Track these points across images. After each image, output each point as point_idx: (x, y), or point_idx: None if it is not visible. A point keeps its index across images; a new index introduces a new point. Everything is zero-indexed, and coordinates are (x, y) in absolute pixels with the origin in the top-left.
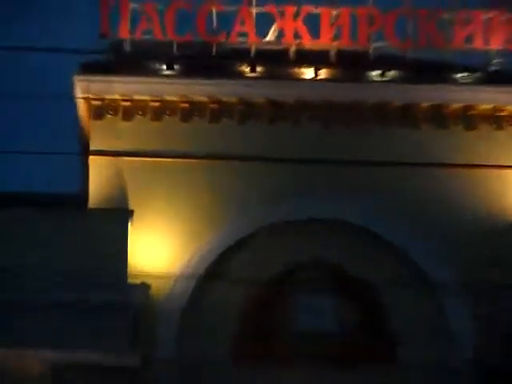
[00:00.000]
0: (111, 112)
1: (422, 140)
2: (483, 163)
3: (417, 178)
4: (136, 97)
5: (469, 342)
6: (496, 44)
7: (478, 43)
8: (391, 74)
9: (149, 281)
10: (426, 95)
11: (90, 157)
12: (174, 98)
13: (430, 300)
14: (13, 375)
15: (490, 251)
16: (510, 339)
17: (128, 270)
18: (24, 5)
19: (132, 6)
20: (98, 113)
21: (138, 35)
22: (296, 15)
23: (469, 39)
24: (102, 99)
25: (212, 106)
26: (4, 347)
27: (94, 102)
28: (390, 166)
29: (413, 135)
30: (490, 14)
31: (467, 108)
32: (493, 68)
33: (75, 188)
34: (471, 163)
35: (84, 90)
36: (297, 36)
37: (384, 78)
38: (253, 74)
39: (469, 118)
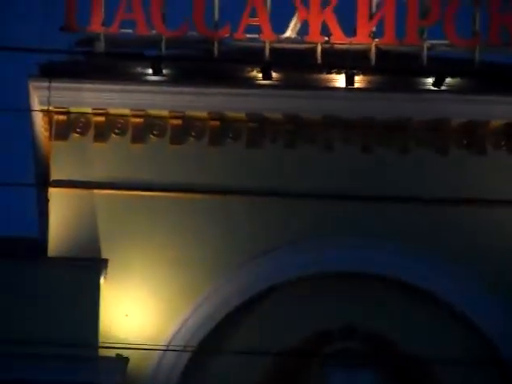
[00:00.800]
0: (79, 130)
1: (489, 169)
2: None
3: (485, 219)
4: (112, 110)
5: None
6: None
7: None
8: (451, 82)
9: (126, 353)
10: (498, 111)
11: (51, 189)
12: (163, 113)
13: (501, 380)
14: None
15: None
16: None
17: (99, 338)
18: None
19: None
20: (61, 131)
21: (114, 28)
22: (324, 3)
23: None
24: (68, 113)
25: (213, 123)
26: None
27: (56, 117)
28: (447, 204)
29: (478, 162)
30: None
31: None
32: None
33: (32, 230)
34: None
35: (43, 100)
36: (325, 31)
37: (442, 88)
38: (267, 82)
39: None
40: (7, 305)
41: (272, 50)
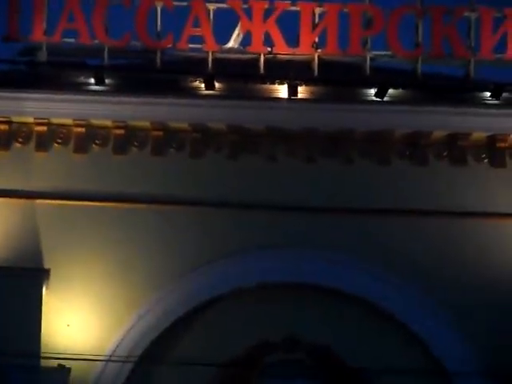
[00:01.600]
0: (21, 139)
1: (433, 180)
2: None
3: (429, 230)
4: (54, 120)
5: None
6: None
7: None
8: (394, 93)
9: (68, 363)
10: (441, 121)
11: None
12: (105, 123)
13: None
14: None
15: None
16: None
17: (41, 348)
18: None
19: None
20: (3, 141)
21: (57, 37)
22: (267, 14)
23: (499, 46)
24: (10, 122)
25: (155, 133)
26: None
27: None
28: (389, 216)
29: (421, 174)
30: None
31: (494, 138)
32: None
33: None
34: (503, 212)
35: None
36: (268, 42)
37: (384, 99)
38: (210, 92)
39: (496, 152)
40: None
41: (215, 60)
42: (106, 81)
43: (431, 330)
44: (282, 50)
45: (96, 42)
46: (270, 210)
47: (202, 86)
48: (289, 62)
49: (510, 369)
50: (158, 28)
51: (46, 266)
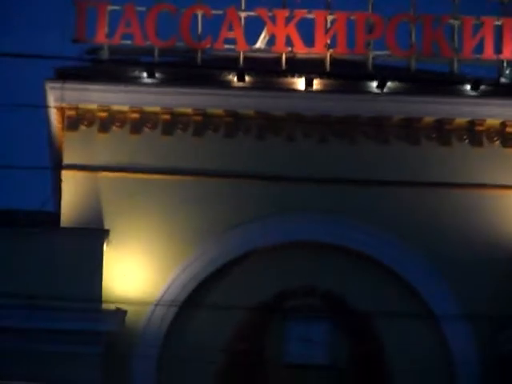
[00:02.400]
0: (86, 123)
1: (423, 158)
2: (491, 183)
3: (418, 200)
4: (114, 107)
5: (473, 375)
6: (508, 54)
7: (488, 53)
8: (391, 85)
9: (124, 307)
10: (429, 109)
11: (63, 171)
12: (155, 109)
13: (431, 333)
14: None
15: (498, 280)
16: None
17: (102, 294)
18: None
19: (110, 8)
20: (72, 124)
21: (116, 40)
22: (288, 20)
23: (478, 48)
24: (77, 109)
25: (196, 118)
26: None
27: (68, 112)
28: (389, 186)
29: (413, 152)
30: (502, 21)
31: (473, 123)
32: (504, 80)
33: (47, 205)
34: (478, 182)
35: (57, 98)
36: (289, 43)
37: (383, 90)
38: (241, 84)
39: (475, 134)
40: (27, 267)
41: (245, 58)
42: (156, 75)
43: (422, 280)
44: (300, 50)
45: (148, 43)
46: (290, 181)
47: (235, 79)
48: (306, 59)
49: (488, 312)
50: (199, 31)
51: (107, 227)
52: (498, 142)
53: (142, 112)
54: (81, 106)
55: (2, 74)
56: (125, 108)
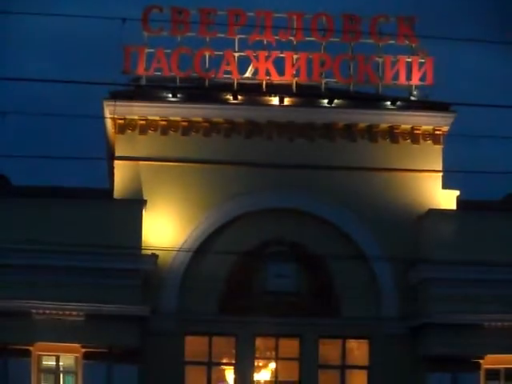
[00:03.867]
0: (131, 128)
1: (358, 150)
2: (404, 168)
3: (356, 178)
4: (149, 117)
5: (393, 298)
6: (415, 81)
7: (402, 80)
8: (336, 102)
9: (157, 252)
10: (362, 118)
11: (115, 161)
12: (177, 119)
13: (365, 269)
14: (54, 321)
15: (409, 233)
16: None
17: (142, 244)
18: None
19: (147, 50)
20: (121, 129)
21: (151, 72)
22: (267, 58)
23: (395, 77)
24: (124, 119)
25: (204, 124)
26: (46, 300)
27: (118, 121)
28: (335, 170)
29: (352, 147)
30: (411, 59)
31: (392, 127)
32: (412, 98)
33: (105, 184)
34: (395, 167)
35: (111, 111)
36: (267, 73)
37: (332, 105)
38: (235, 101)
39: (393, 135)
40: (92, 226)
41: (238, 83)
42: (178, 95)
43: (358, 234)
44: (275, 78)
45: (172, 74)
46: (270, 167)
47: (231, 97)
48: (279, 84)
49: (402, 255)
50: (207, 66)
51: (145, 198)
52: (409, 141)
53: (167, 120)
54: (127, 116)
55: (76, 95)
56: (156, 118)
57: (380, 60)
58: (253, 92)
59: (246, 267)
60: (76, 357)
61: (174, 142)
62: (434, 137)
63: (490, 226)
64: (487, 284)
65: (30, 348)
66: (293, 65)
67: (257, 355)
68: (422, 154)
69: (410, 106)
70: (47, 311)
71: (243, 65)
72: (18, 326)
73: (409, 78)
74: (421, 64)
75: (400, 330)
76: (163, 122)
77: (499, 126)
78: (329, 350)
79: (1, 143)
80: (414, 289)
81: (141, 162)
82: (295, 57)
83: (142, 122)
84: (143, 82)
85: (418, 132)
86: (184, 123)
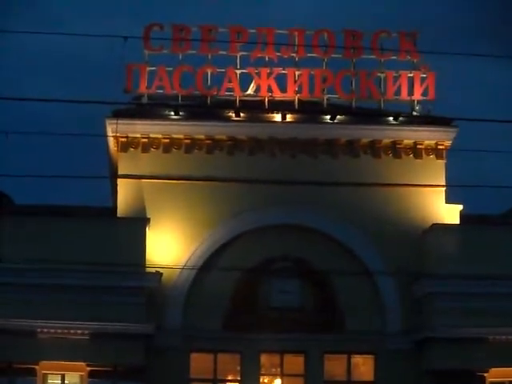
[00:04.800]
0: (133, 146)
1: (361, 166)
2: (407, 183)
3: (359, 194)
4: (152, 135)
5: (398, 316)
6: (417, 96)
7: (404, 95)
8: (339, 118)
9: (161, 270)
10: (365, 133)
11: (119, 179)
12: (179, 136)
13: (369, 284)
14: (59, 340)
15: (413, 248)
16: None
17: (146, 261)
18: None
19: (148, 68)
20: (123, 147)
21: (153, 90)
22: (269, 75)
23: (397, 92)
24: (127, 137)
25: (207, 141)
26: (51, 319)
27: (120, 139)
28: (338, 186)
29: (354, 162)
30: (413, 74)
31: (395, 142)
32: (414, 113)
33: (108, 202)
34: (398, 183)
35: (113, 130)
36: (270, 90)
37: (334, 121)
38: (237, 118)
39: (396, 150)
40: (95, 244)
41: (240, 101)
42: (180, 113)
43: (361, 249)
44: (277, 95)
45: (174, 91)
46: (272, 184)
47: (233, 115)
48: (281, 101)
49: (405, 269)
50: (208, 83)
51: (148, 216)
52: (411, 156)
53: (170, 138)
54: (129, 135)
55: (77, 114)
56: (159, 136)
57: (382, 75)
58: (255, 109)
59: (251, 284)
60: (81, 375)
61: (176, 160)
62: (436, 151)
63: (493, 240)
64: (491, 298)
65: (36, 367)
66: (295, 81)
67: (262, 372)
68: (425, 168)
69: (412, 121)
70: (52, 330)
71: (245, 82)
72: (23, 345)
73: (411, 93)
74: (423, 79)
75: (404, 344)
76: (166, 140)
77: (502, 140)
78: (334, 366)
79: (3, 162)
80: (417, 303)
81: (144, 180)
82: (297, 73)
83: (144, 140)
84: (145, 100)
85: (420, 147)
86: (187, 141)
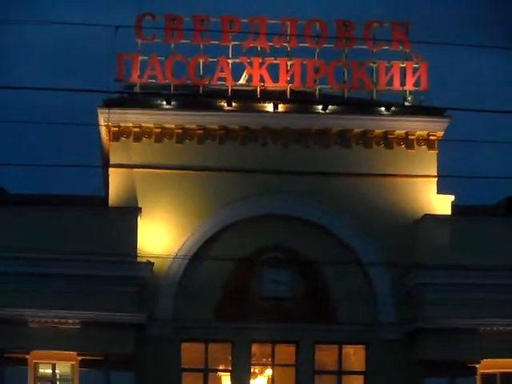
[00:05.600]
0: (125, 136)
1: (353, 156)
2: (399, 173)
3: (351, 184)
4: (143, 124)
5: (390, 307)
6: (409, 86)
7: (396, 85)
8: (331, 108)
9: (152, 260)
10: (357, 123)
11: (110, 169)
12: (171, 126)
13: (361, 275)
14: (50, 330)
15: (404, 238)
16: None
17: (137, 251)
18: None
19: (140, 58)
20: (115, 136)
21: (145, 79)
22: (261, 64)
23: (389, 82)
24: (119, 126)
25: (199, 131)
26: (42, 308)
27: (112, 129)
28: (330, 176)
29: (346, 153)
30: (405, 64)
31: (387, 133)
32: (406, 103)
33: (100, 192)
34: (390, 173)
35: (105, 119)
36: (262, 80)
37: (326, 111)
38: (229, 108)
39: (388, 140)
40: (87, 234)
41: (232, 90)
42: (172, 102)
43: (354, 239)
44: (269, 84)
45: (166, 81)
46: (264, 174)
47: (225, 104)
48: (273, 91)
49: (397, 260)
50: (201, 73)
51: (140, 206)
52: (403, 146)
53: (162, 128)
54: (121, 124)
55: (69, 103)
56: (150, 125)
57: (374, 66)
58: (247, 99)
59: (242, 274)
60: (72, 364)
61: (168, 150)
62: (428, 142)
63: (484, 231)
64: (483, 288)
65: (27, 356)
66: (287, 71)
67: (253, 361)
68: (417, 159)
69: (404, 111)
70: (43, 319)
71: (237, 71)
72: (14, 334)
73: (403, 83)
74: (415, 69)
75: (396, 335)
76: (157, 130)
77: (494, 130)
78: (325, 356)
79: None
80: (409, 294)
81: (135, 170)
82: (289, 63)
83: (136, 129)
84: (137, 89)
85: (412, 137)
86: (178, 130)
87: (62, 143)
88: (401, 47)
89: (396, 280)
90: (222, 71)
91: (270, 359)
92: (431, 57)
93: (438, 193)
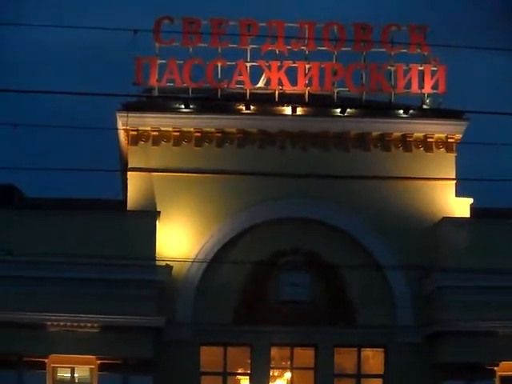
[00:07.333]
0: (144, 140)
1: (371, 159)
2: (417, 176)
3: (369, 187)
4: (162, 128)
5: (409, 310)
6: (428, 89)
7: (414, 88)
8: (350, 111)
9: (171, 263)
10: (375, 127)
11: (129, 173)
12: (190, 129)
13: (379, 278)
14: (69, 333)
15: (423, 241)
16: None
17: (156, 255)
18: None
19: (159, 61)
20: (134, 140)
21: (163, 83)
22: (279, 68)
23: (407, 85)
24: (137, 130)
25: (217, 135)
26: (62, 312)
27: (131, 132)
28: (349, 179)
29: (365, 156)
30: (423, 67)
31: (405, 136)
32: (424, 106)
33: (118, 196)
34: (408, 176)
35: (124, 123)
36: (280, 83)
37: (345, 114)
38: (247, 111)
39: (406, 143)
40: (106, 237)
41: (250, 93)
42: (190, 106)
43: (372, 243)
44: (288, 88)
45: (184, 84)
46: (283, 177)
47: (244, 108)
48: (291, 94)
49: (416, 263)
50: (219, 76)
51: (158, 210)
52: (422, 149)
53: (180, 131)
54: (140, 128)
55: (88, 107)
56: (169, 129)
57: (392, 69)
58: (265, 102)
59: (261, 277)
60: (91, 368)
61: (187, 153)
62: (447, 145)
63: (503, 234)
64: (501, 291)
65: (45, 360)
66: (305, 74)
67: (272, 365)
68: (435, 162)
69: (422, 114)
70: (62, 323)
71: (255, 75)
72: (33, 338)
73: (421, 86)
74: (433, 72)
75: (415, 338)
76: (176, 133)
77: None
78: (344, 359)
79: (14, 155)
80: (428, 297)
81: (154, 173)
82: (307, 66)
83: (154, 133)
84: (155, 93)
85: (431, 140)
86: (197, 134)
87: (81, 147)
88: (419, 50)
89: (415, 283)
90: (240, 74)
91: (289, 362)
92: (449, 59)
93: (456, 196)
